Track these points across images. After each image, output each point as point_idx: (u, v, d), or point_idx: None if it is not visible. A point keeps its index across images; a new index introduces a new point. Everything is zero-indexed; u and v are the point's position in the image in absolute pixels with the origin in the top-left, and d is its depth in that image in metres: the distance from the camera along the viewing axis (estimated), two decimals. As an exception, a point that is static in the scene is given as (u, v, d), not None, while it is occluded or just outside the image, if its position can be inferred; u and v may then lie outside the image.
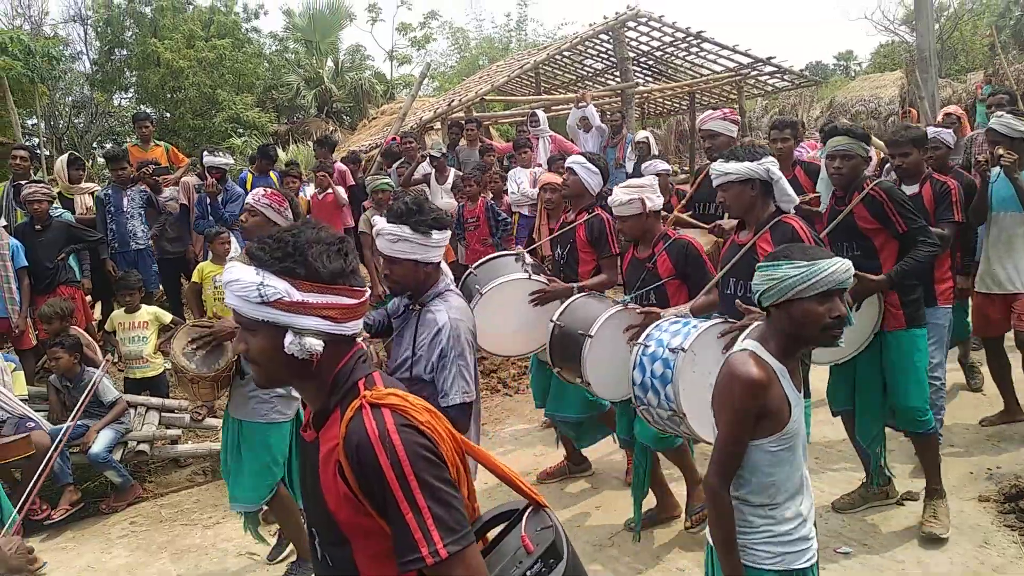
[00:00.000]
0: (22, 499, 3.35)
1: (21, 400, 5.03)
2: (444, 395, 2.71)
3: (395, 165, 8.72)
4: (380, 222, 2.78)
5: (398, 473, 1.40)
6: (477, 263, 4.42)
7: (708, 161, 4.80)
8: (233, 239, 6.83)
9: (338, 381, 1.56)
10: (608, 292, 4.34)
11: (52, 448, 4.06)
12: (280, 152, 16.22)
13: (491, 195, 7.65)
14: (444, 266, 2.92)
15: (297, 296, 1.48)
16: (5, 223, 6.34)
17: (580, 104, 9.71)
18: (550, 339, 3.97)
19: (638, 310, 3.72)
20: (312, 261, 1.49)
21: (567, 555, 1.54)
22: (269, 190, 3.73)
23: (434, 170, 8.45)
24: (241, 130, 19.95)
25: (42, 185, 6.58)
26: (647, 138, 8.69)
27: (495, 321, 4.04)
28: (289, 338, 1.48)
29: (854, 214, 3.71)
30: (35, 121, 18.33)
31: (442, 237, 2.74)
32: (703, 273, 3.79)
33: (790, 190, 3.29)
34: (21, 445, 3.84)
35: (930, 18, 8.32)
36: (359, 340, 1.65)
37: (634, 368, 3.28)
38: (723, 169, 3.29)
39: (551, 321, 3.97)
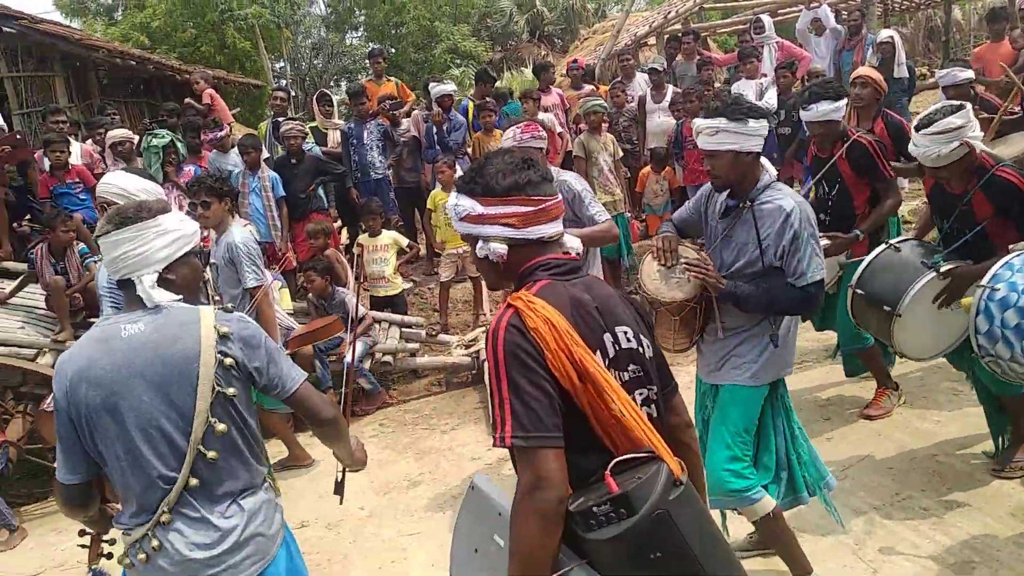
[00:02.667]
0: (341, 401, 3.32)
1: (287, 314, 5.76)
2: (801, 275, 2.66)
3: (610, 85, 8.57)
4: (699, 121, 2.77)
5: (494, 363, 1.62)
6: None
7: None
8: (458, 166, 7.17)
9: (520, 282, 1.78)
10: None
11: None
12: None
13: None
14: (765, 162, 2.82)
15: (480, 209, 1.75)
16: (268, 155, 7.11)
17: (812, 4, 8.90)
18: (851, 304, 3.69)
19: (945, 268, 3.33)
20: (488, 179, 1.75)
21: (644, 515, 1.46)
22: (523, 123, 3.68)
23: (651, 87, 8.20)
24: (459, 61, 20.65)
25: (297, 123, 7.25)
26: (891, 38, 7.77)
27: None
28: (479, 244, 1.77)
29: None
30: (282, 64, 20.28)
31: (759, 125, 2.67)
32: None
33: None
34: (335, 326, 4.37)
35: None
36: (562, 251, 1.81)
37: (978, 314, 2.95)
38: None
39: (850, 287, 3.68)
